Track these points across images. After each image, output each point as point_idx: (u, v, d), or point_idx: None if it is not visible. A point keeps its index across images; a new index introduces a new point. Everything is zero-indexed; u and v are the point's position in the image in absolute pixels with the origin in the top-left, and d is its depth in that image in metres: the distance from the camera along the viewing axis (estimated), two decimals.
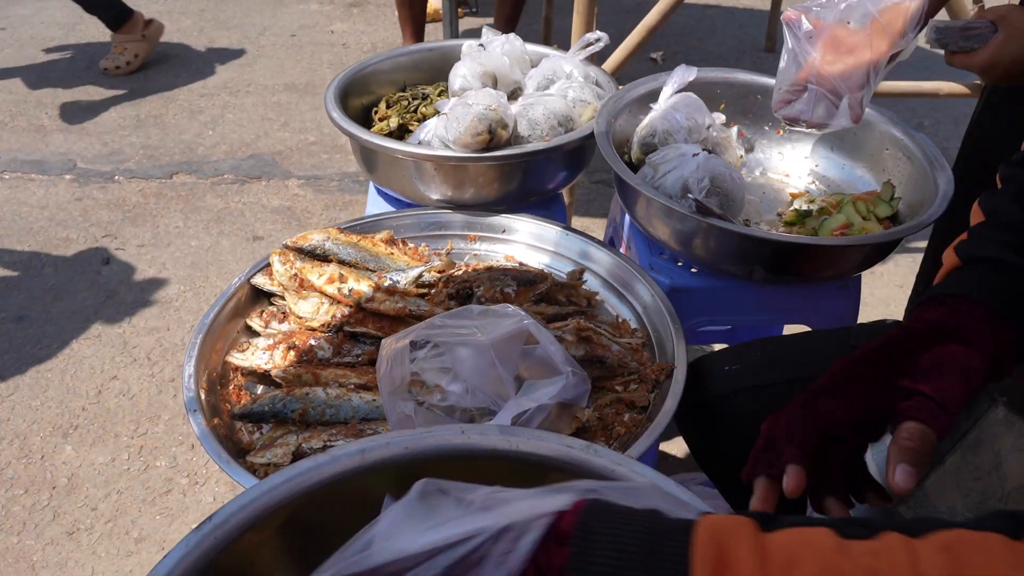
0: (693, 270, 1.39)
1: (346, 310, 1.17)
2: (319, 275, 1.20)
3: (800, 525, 0.51)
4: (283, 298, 1.25)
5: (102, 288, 2.41)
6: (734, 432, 1.06)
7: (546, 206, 1.56)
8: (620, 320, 1.28)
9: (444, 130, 1.38)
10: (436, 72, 1.76)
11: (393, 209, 1.53)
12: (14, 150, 3.07)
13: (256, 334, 1.23)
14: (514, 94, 1.61)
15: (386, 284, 1.19)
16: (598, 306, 1.31)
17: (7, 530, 1.72)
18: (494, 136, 1.36)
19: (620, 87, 1.57)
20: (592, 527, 0.53)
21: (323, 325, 1.17)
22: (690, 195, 1.27)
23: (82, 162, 3.02)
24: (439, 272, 1.25)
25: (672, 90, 1.50)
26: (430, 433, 0.87)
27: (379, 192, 1.62)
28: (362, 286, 1.18)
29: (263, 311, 1.25)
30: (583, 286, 1.30)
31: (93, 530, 1.74)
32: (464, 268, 1.29)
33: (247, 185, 2.89)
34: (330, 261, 1.26)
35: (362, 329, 1.15)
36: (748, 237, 1.24)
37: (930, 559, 0.47)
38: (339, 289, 1.18)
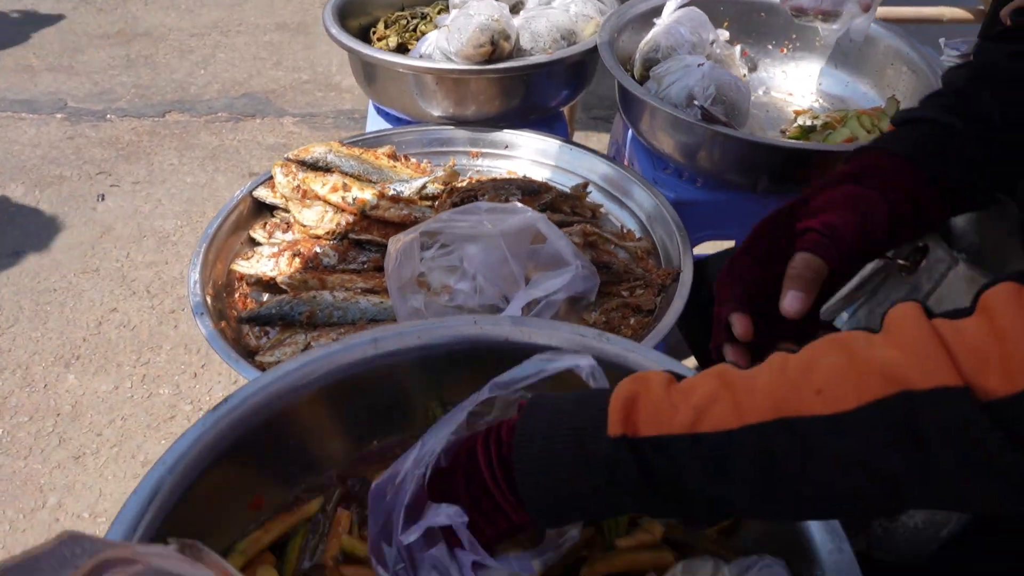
0: (697, 184, 1.38)
1: (350, 218, 1.16)
2: (322, 184, 1.19)
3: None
4: (286, 210, 1.24)
5: (98, 223, 2.39)
6: None
7: (548, 125, 1.54)
8: (625, 231, 1.28)
9: (446, 42, 1.36)
10: None
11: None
12: (3, 89, 3.02)
13: (260, 246, 1.23)
14: (515, 8, 1.58)
15: (390, 193, 1.18)
16: (602, 218, 1.31)
17: (14, 455, 1.73)
18: (496, 48, 1.34)
19: (623, 2, 1.54)
20: (534, 402, 0.62)
21: (328, 233, 1.16)
22: (696, 102, 1.26)
23: (73, 101, 2.98)
24: (443, 184, 1.25)
25: (676, 5, 1.48)
26: (442, 324, 0.87)
27: (379, 112, 1.60)
28: (366, 194, 1.17)
29: (266, 223, 1.24)
30: (587, 198, 1.30)
31: (99, 454, 1.75)
32: (468, 180, 1.29)
33: (241, 123, 2.86)
34: (332, 173, 1.25)
35: (367, 236, 1.15)
36: (755, 144, 1.23)
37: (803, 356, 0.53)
38: (343, 198, 1.17)
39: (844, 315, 0.81)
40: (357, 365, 0.84)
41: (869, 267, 0.86)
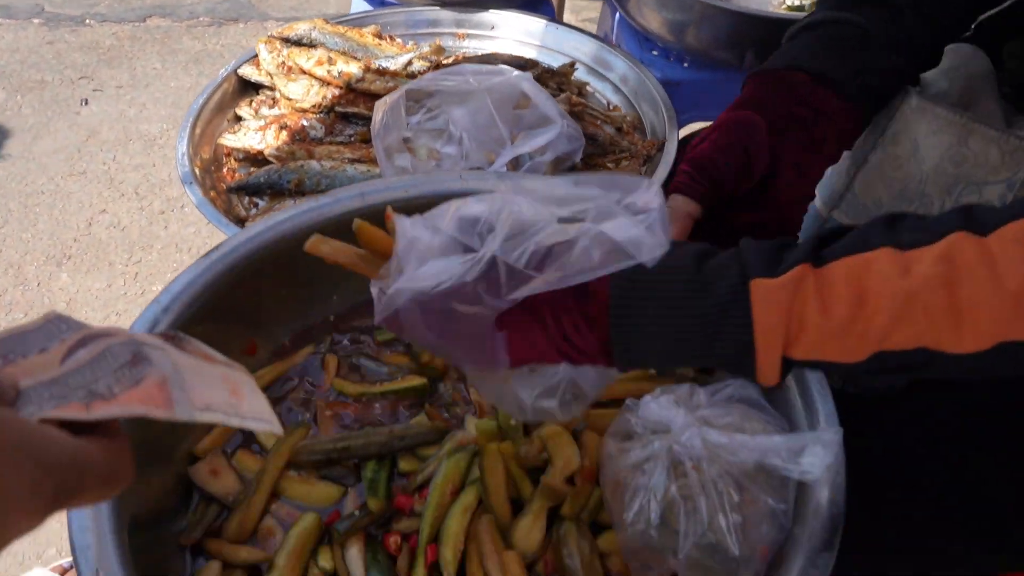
0: (685, 64, 1.38)
1: (336, 91, 1.16)
2: (307, 58, 1.18)
3: (856, 249, 0.48)
4: (271, 88, 1.24)
5: (83, 127, 2.37)
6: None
7: (534, 6, 1.53)
8: (611, 107, 1.28)
9: None
10: None
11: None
12: None
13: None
14: None
15: (375, 67, 1.18)
16: (589, 96, 1.31)
17: None
18: None
19: None
20: (627, 318, 0.50)
21: (314, 106, 1.16)
22: None
23: (50, 6, 2.90)
24: (428, 60, 1.24)
25: None
26: (429, 179, 0.89)
27: None
28: (352, 68, 1.17)
29: (252, 100, 1.24)
30: (574, 76, 1.29)
31: None
32: (455, 57, 1.28)
33: (224, 27, 2.81)
34: (317, 49, 1.24)
35: (353, 109, 1.15)
36: (744, 17, 1.23)
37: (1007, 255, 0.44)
38: (328, 71, 1.17)
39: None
40: (344, 218, 0.86)
41: None
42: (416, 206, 0.87)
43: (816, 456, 0.57)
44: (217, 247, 0.81)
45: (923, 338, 0.45)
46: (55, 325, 0.39)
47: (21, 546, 1.45)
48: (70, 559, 1.28)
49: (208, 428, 0.78)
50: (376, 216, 0.86)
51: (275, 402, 0.81)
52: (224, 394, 0.39)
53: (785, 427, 0.65)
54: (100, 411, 0.34)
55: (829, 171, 0.81)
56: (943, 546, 0.75)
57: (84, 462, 0.33)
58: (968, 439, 0.75)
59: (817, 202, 0.80)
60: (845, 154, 0.80)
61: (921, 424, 0.77)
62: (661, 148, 1.13)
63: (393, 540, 0.68)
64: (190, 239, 2.00)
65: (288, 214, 0.84)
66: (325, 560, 0.68)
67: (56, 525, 1.47)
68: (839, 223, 0.78)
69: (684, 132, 1.34)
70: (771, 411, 0.66)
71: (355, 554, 0.67)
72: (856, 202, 0.76)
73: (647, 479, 0.61)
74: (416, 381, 0.79)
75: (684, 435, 0.60)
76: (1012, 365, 0.44)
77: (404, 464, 0.73)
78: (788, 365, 0.48)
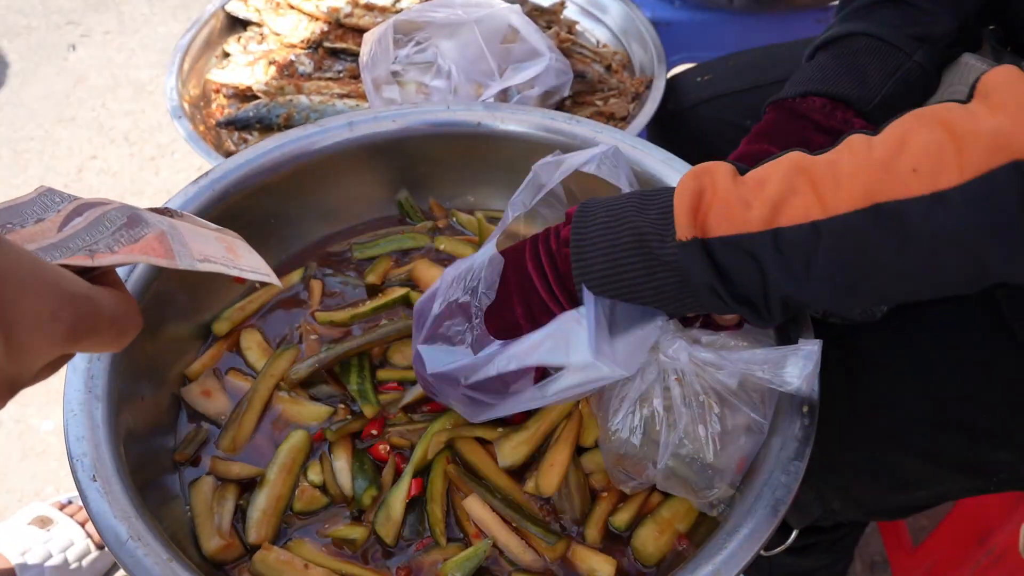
0: (675, 3, 1.38)
1: (325, 26, 1.16)
2: None
3: (776, 156, 0.55)
4: (259, 25, 1.23)
5: (71, 73, 2.34)
6: (702, 138, 1.09)
7: None
8: (601, 45, 1.28)
9: None
10: None
11: None
12: None
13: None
14: None
15: (364, 1, 1.17)
16: (579, 35, 1.30)
17: None
18: None
19: None
20: (585, 209, 0.59)
21: (303, 41, 1.16)
22: None
23: None
24: None
25: None
26: (417, 108, 0.89)
27: None
28: (340, 2, 1.16)
29: (240, 36, 1.24)
30: (563, 14, 1.29)
31: None
32: None
33: None
34: None
35: (342, 45, 1.15)
36: None
37: (885, 137, 0.50)
38: (317, 6, 1.16)
39: None
40: (332, 147, 0.87)
41: None
42: (403, 136, 0.89)
43: (796, 367, 0.59)
44: (206, 173, 0.81)
45: (811, 210, 0.50)
46: (48, 198, 0.40)
47: (20, 482, 1.48)
48: (67, 495, 1.31)
49: (200, 350, 0.80)
50: (362, 145, 0.87)
51: (264, 326, 0.82)
52: (221, 250, 0.41)
53: (771, 342, 0.67)
54: (105, 260, 0.35)
55: None
56: (911, 465, 0.78)
57: (97, 299, 0.35)
58: (940, 361, 0.77)
59: None
60: None
61: (894, 347, 0.79)
62: (649, 86, 1.13)
63: (383, 447, 0.70)
64: (181, 184, 2.00)
65: (277, 142, 0.85)
66: (315, 474, 0.70)
67: (54, 464, 1.50)
68: None
69: (673, 73, 1.34)
70: (759, 333, 0.67)
71: (342, 464, 0.69)
72: None
73: (632, 390, 0.63)
74: (399, 293, 0.81)
75: (671, 348, 0.62)
76: (885, 226, 0.48)
77: (382, 374, 0.75)
78: (703, 245, 0.52)
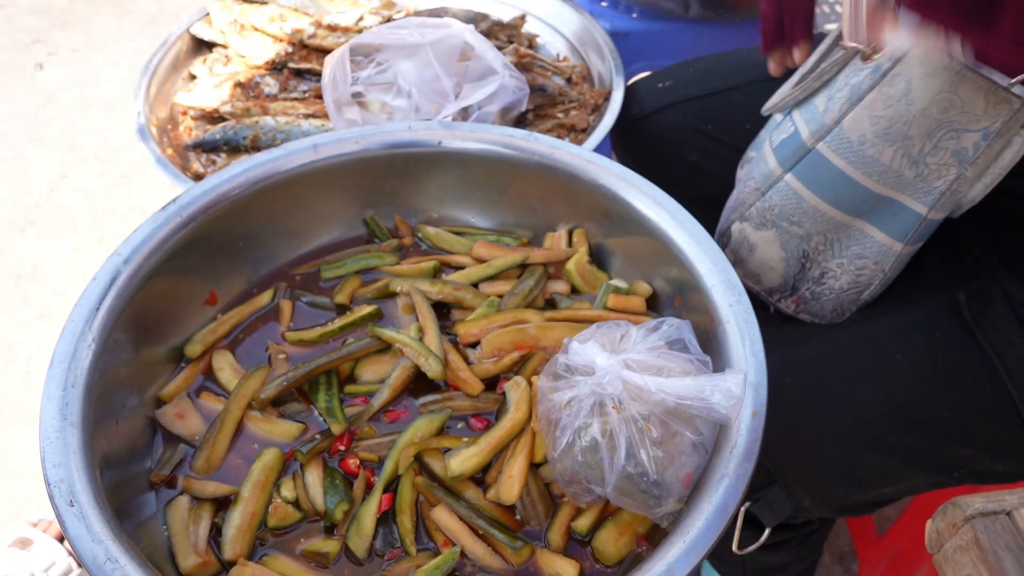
0: (633, 15, 1.41)
1: (289, 47, 1.18)
2: (260, 15, 1.20)
3: None
4: (225, 47, 1.25)
5: (40, 92, 2.34)
6: (664, 144, 1.12)
7: None
8: (561, 58, 1.31)
9: None
10: None
11: None
12: None
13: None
14: None
15: (326, 22, 1.20)
16: (539, 48, 1.33)
17: None
18: None
19: None
20: None
21: (267, 63, 1.18)
22: None
23: None
24: (380, 15, 1.26)
25: None
26: (379, 129, 0.92)
27: None
28: (303, 23, 1.19)
29: (206, 58, 1.25)
30: (523, 28, 1.32)
31: (64, 311, 1.79)
32: (405, 11, 1.30)
33: None
34: (269, 5, 1.25)
35: (306, 65, 1.17)
36: None
37: None
38: (281, 28, 1.18)
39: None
40: (298, 169, 0.89)
41: (820, 51, 0.89)
42: (366, 157, 0.92)
43: (723, 396, 0.63)
44: (174, 199, 0.83)
45: None
46: None
47: None
48: (43, 516, 1.32)
49: (173, 373, 0.82)
50: (327, 167, 0.90)
51: (235, 347, 0.85)
52: None
53: (707, 367, 0.70)
54: None
55: (822, 104, 0.84)
56: (878, 463, 0.82)
57: None
58: (904, 362, 0.80)
59: (803, 132, 0.84)
60: (844, 89, 0.82)
61: (859, 349, 0.82)
62: (608, 97, 1.16)
63: (353, 461, 0.72)
64: (154, 202, 2.01)
65: (244, 166, 0.87)
66: (288, 490, 0.72)
67: (32, 485, 1.51)
68: (822, 155, 0.82)
69: (634, 80, 1.38)
70: (696, 352, 0.70)
71: (314, 480, 0.71)
72: (842, 136, 0.79)
73: (573, 418, 0.66)
74: (368, 310, 0.83)
75: (605, 377, 0.65)
76: None
77: (349, 389, 0.78)
78: None
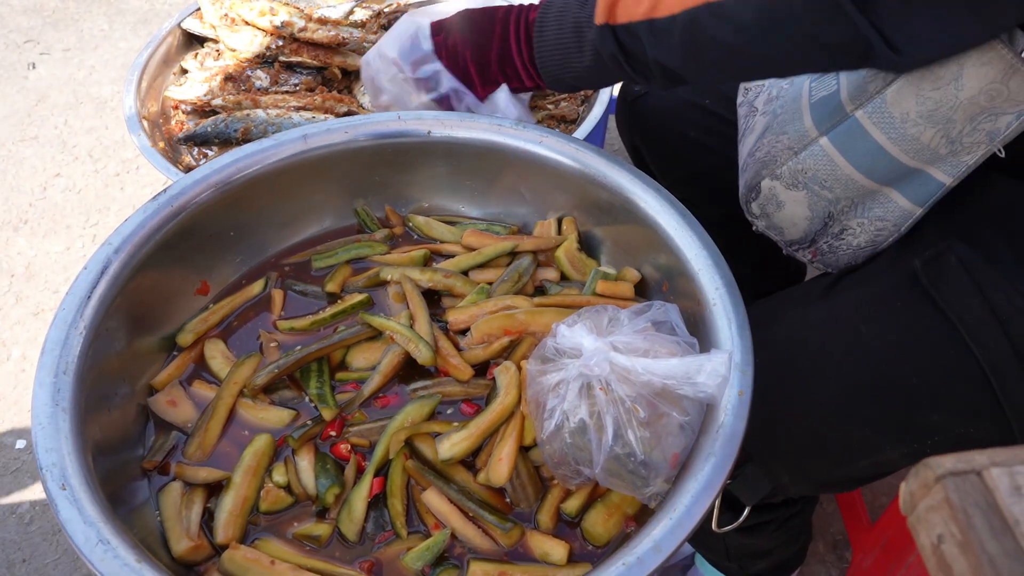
0: None
1: (280, 41, 1.18)
2: (250, 9, 1.20)
3: None
4: (216, 41, 1.26)
5: (32, 92, 2.34)
6: (662, 121, 1.12)
7: None
8: None
9: None
10: None
11: None
12: None
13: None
14: None
15: (317, 16, 1.20)
16: None
17: None
18: None
19: None
20: (549, 2, 0.83)
21: (258, 56, 1.18)
22: None
23: None
24: (371, 9, 1.26)
25: None
26: (368, 119, 0.93)
27: None
28: (293, 17, 1.19)
29: (197, 53, 1.26)
30: None
31: None
32: (396, 4, 1.31)
33: None
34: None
35: (297, 59, 1.18)
36: None
37: None
38: (271, 21, 1.19)
39: None
40: (288, 160, 0.90)
41: None
42: (356, 148, 0.92)
43: (708, 375, 0.64)
44: (165, 189, 0.84)
45: (672, 8, 0.72)
46: None
47: None
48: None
49: (165, 361, 0.83)
50: (318, 157, 0.90)
51: (227, 336, 0.85)
52: None
53: (694, 349, 0.71)
54: None
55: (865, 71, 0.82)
56: (852, 435, 0.82)
57: None
58: (870, 332, 0.81)
59: (843, 91, 0.82)
60: None
61: (828, 321, 0.83)
62: (598, 90, 1.17)
63: (344, 447, 0.73)
64: (146, 200, 2.01)
65: (234, 157, 0.87)
66: (279, 475, 0.73)
67: (28, 481, 1.51)
68: (860, 124, 0.81)
69: None
70: (683, 334, 0.71)
71: (305, 465, 0.72)
72: (884, 109, 0.78)
73: (561, 400, 0.67)
74: (358, 298, 0.84)
75: (593, 359, 0.66)
76: (715, 18, 0.70)
77: (341, 375, 0.78)
78: (613, 31, 0.76)
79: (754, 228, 0.95)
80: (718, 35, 0.71)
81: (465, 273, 0.88)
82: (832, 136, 0.83)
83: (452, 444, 0.72)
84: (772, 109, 0.91)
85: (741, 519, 0.88)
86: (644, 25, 0.74)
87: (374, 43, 1.20)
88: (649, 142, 1.15)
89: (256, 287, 0.88)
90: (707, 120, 1.09)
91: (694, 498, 0.62)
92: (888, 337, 0.79)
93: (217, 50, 1.24)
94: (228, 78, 1.16)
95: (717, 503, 0.82)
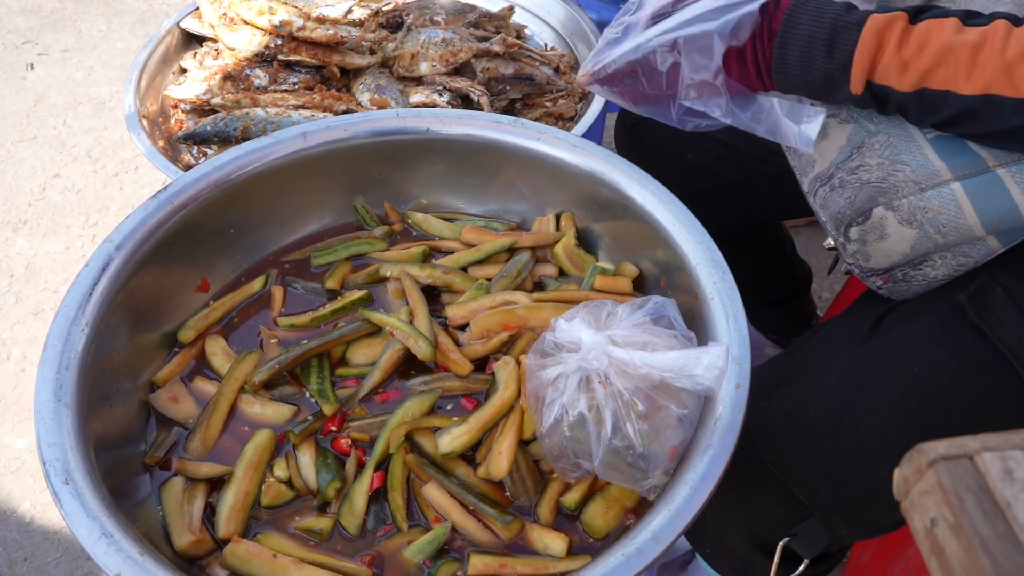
0: (620, 4, 1.42)
1: (278, 40, 1.19)
2: (248, 8, 1.21)
3: (938, 16, 0.71)
4: (215, 41, 1.26)
5: (31, 92, 2.35)
6: (663, 146, 1.12)
7: None
8: (549, 48, 1.32)
9: None
10: None
11: None
12: None
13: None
14: None
15: (315, 15, 1.21)
16: (527, 39, 1.35)
17: None
18: None
19: None
20: (792, 23, 0.74)
21: (257, 55, 1.19)
22: None
23: None
24: (368, 7, 1.27)
25: None
26: (368, 116, 0.93)
27: None
28: (292, 16, 1.19)
29: (196, 52, 1.26)
30: (512, 19, 1.33)
31: None
32: (394, 3, 1.31)
33: None
34: None
35: (296, 57, 1.18)
36: None
37: (1019, 38, 0.65)
38: (270, 20, 1.19)
39: None
40: (287, 157, 0.90)
41: None
42: (355, 145, 0.93)
43: (705, 368, 0.64)
44: (165, 187, 0.85)
45: (948, 82, 0.69)
46: None
47: None
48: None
49: (166, 358, 0.83)
50: (317, 154, 0.91)
51: (227, 333, 0.86)
52: None
53: (692, 342, 0.71)
54: None
55: None
56: None
57: None
58: (920, 371, 0.78)
59: (981, 151, 0.79)
60: None
61: (876, 363, 0.79)
62: None
63: (344, 441, 0.73)
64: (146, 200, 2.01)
65: (234, 154, 0.88)
66: (281, 470, 0.73)
67: (29, 480, 1.51)
68: (1001, 181, 0.78)
69: None
70: (681, 328, 0.72)
71: (306, 460, 0.72)
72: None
73: (560, 393, 0.67)
74: (358, 294, 0.84)
75: (591, 353, 0.66)
76: (992, 112, 0.69)
77: (341, 371, 0.79)
78: (869, 86, 0.72)
79: (827, 246, 0.91)
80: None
81: (464, 269, 0.89)
82: (967, 184, 0.78)
83: (452, 438, 0.72)
84: (856, 117, 0.85)
85: (799, 572, 0.86)
86: (911, 96, 0.72)
87: (372, 41, 1.21)
88: (650, 166, 1.15)
89: (256, 284, 0.89)
90: (707, 144, 1.08)
91: (692, 490, 0.62)
92: (941, 378, 0.77)
93: (216, 49, 1.25)
94: (227, 77, 1.16)
95: (776, 561, 0.81)
